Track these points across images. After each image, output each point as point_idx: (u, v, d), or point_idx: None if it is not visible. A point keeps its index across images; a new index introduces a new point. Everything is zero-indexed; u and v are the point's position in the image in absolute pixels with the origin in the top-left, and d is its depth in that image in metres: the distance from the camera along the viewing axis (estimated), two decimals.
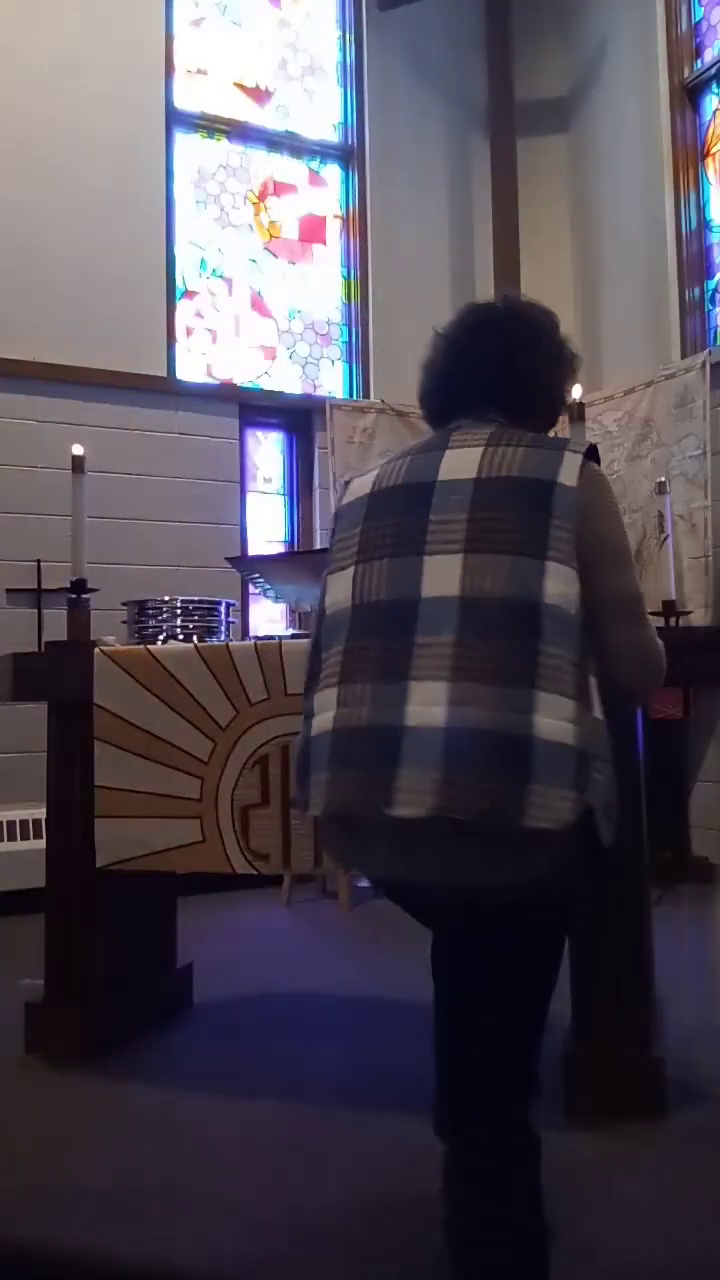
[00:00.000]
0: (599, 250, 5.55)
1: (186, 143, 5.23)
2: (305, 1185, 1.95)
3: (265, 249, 5.45)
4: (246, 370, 5.32)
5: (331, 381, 5.57)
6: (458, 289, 5.72)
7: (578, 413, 2.39)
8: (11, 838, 4.27)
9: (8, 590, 4.48)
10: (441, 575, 1.30)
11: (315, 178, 5.61)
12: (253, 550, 5.13)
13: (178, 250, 5.11)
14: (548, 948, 1.41)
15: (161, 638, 2.69)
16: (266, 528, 5.34)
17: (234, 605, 2.91)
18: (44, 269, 4.62)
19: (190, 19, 5.27)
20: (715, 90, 5.04)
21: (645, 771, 2.30)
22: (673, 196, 5.06)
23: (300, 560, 3.79)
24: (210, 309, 5.27)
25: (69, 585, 2.75)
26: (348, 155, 5.65)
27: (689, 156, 5.09)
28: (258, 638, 2.65)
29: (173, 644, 2.62)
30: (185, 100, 5.20)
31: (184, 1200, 1.89)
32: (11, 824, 4.28)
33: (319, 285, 5.58)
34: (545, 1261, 1.39)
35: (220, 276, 5.31)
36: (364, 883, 4.54)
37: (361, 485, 1.49)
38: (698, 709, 4.65)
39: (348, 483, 1.54)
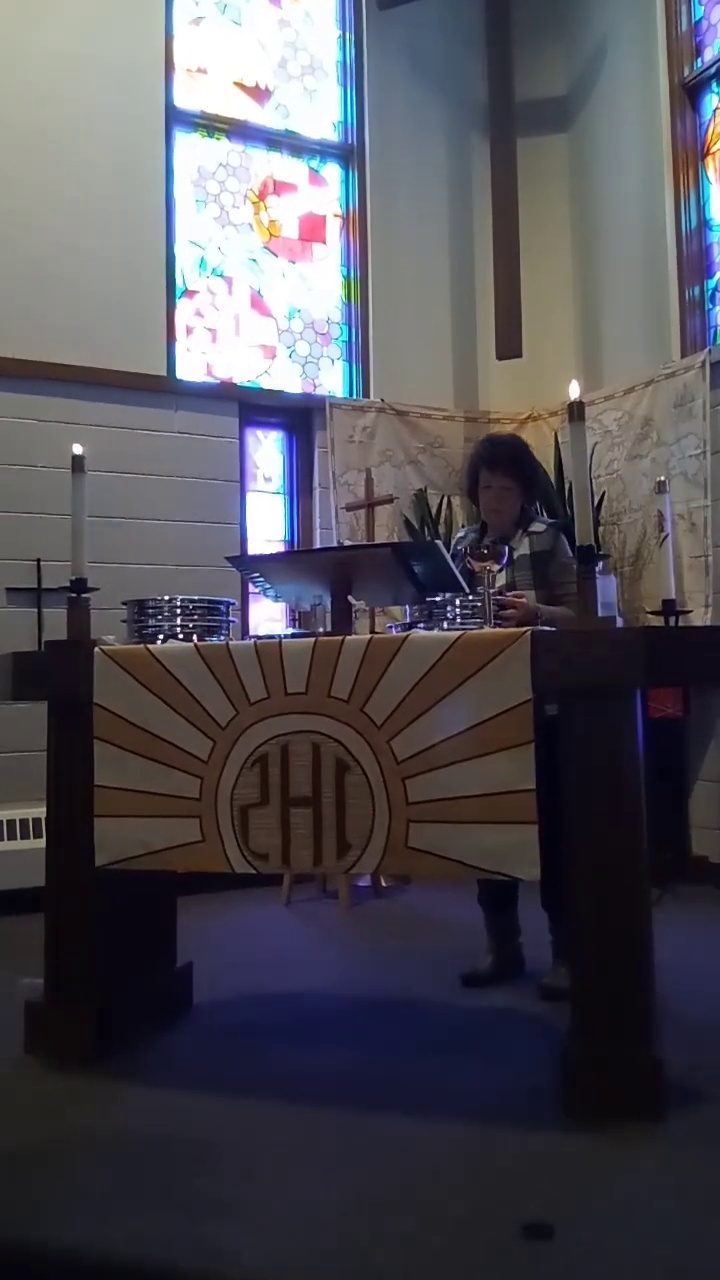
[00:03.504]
0: (599, 249, 5.55)
1: (186, 142, 5.22)
2: (305, 1185, 1.95)
3: (265, 248, 5.45)
4: (246, 369, 5.32)
5: (331, 381, 5.57)
6: (457, 289, 5.72)
7: (577, 412, 2.38)
8: (11, 837, 4.27)
9: (8, 589, 4.48)
10: None
11: (315, 177, 5.61)
12: (252, 549, 5.13)
13: (177, 249, 5.11)
14: None
15: (161, 637, 2.69)
16: (266, 527, 5.34)
17: (234, 604, 2.90)
18: (44, 268, 4.62)
19: (190, 18, 5.27)
20: (715, 89, 5.04)
21: (645, 771, 2.30)
22: (673, 195, 5.06)
23: (300, 559, 3.79)
24: (210, 308, 5.27)
25: (69, 584, 2.75)
26: (348, 154, 5.65)
27: (689, 156, 5.09)
28: (258, 637, 2.65)
29: (172, 643, 2.62)
30: (185, 99, 5.20)
31: (184, 1200, 1.89)
32: (11, 823, 4.28)
33: (319, 284, 5.58)
34: None
35: (220, 275, 5.31)
36: (364, 882, 4.54)
37: None
38: (697, 709, 4.65)
39: None
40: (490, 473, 3.19)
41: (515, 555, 3.14)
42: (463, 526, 3.49)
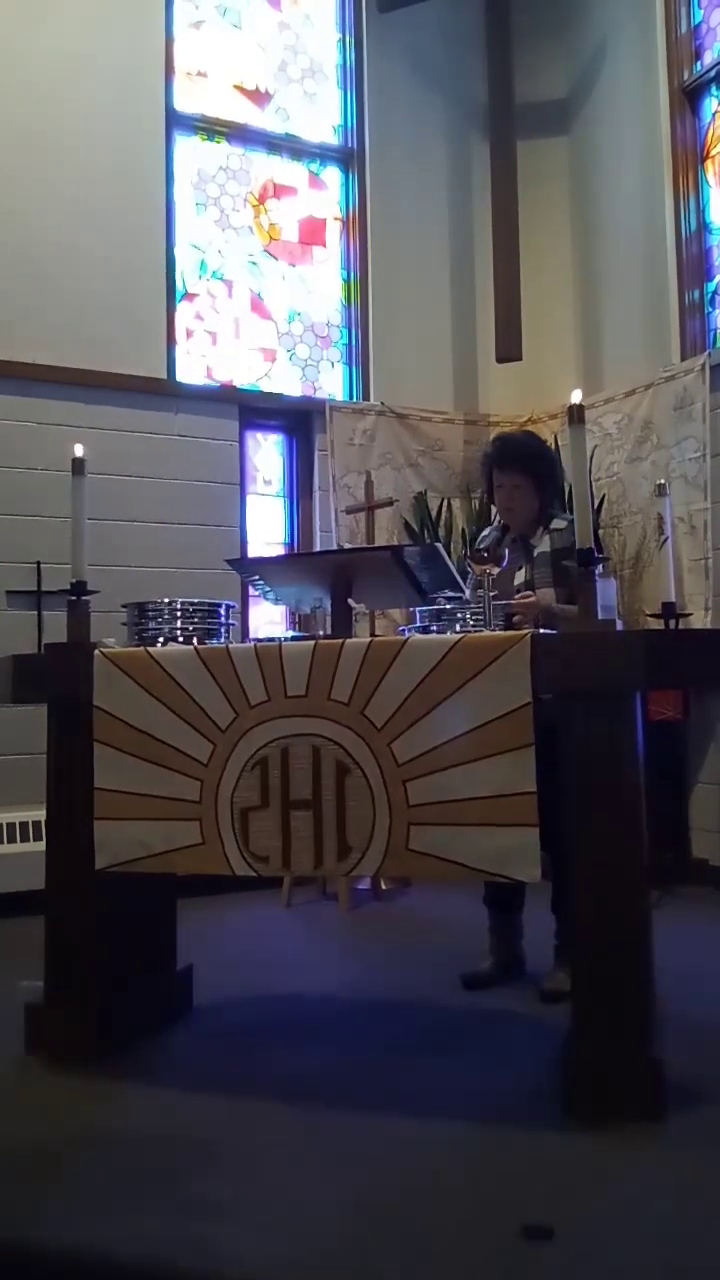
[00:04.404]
0: (599, 252, 5.56)
1: (186, 145, 5.23)
2: (305, 1185, 1.95)
3: (265, 251, 5.46)
4: (246, 372, 5.33)
5: (331, 383, 5.57)
6: (457, 291, 5.73)
7: (577, 415, 2.38)
8: (11, 839, 4.27)
9: (8, 592, 4.48)
10: None
11: (315, 180, 5.61)
12: (252, 552, 5.13)
13: (178, 252, 5.11)
14: None
15: (161, 640, 2.69)
16: (266, 530, 5.35)
17: (234, 607, 2.91)
18: (44, 271, 4.62)
19: (190, 21, 5.28)
20: (715, 93, 5.04)
21: (645, 773, 2.30)
22: (672, 198, 5.07)
23: (300, 562, 3.80)
24: (210, 311, 5.28)
25: (69, 587, 2.75)
26: (347, 157, 5.66)
27: (689, 159, 5.09)
28: (258, 640, 2.65)
29: (172, 646, 2.63)
30: (185, 103, 5.21)
31: (184, 1200, 1.89)
32: (11, 826, 4.28)
33: (319, 287, 5.59)
34: None
35: (220, 278, 5.32)
36: (363, 884, 4.55)
37: None
38: (697, 711, 4.65)
39: None
40: (501, 471, 3.18)
41: (536, 553, 3.13)
42: (488, 528, 3.49)
